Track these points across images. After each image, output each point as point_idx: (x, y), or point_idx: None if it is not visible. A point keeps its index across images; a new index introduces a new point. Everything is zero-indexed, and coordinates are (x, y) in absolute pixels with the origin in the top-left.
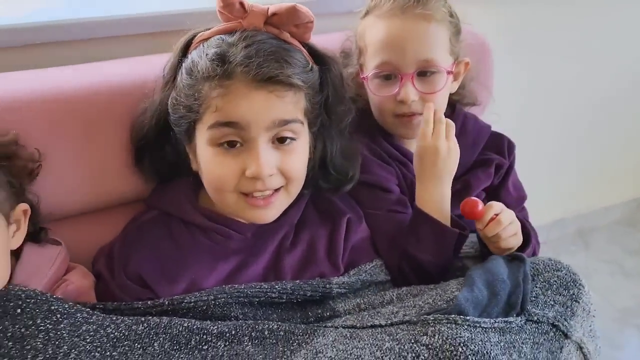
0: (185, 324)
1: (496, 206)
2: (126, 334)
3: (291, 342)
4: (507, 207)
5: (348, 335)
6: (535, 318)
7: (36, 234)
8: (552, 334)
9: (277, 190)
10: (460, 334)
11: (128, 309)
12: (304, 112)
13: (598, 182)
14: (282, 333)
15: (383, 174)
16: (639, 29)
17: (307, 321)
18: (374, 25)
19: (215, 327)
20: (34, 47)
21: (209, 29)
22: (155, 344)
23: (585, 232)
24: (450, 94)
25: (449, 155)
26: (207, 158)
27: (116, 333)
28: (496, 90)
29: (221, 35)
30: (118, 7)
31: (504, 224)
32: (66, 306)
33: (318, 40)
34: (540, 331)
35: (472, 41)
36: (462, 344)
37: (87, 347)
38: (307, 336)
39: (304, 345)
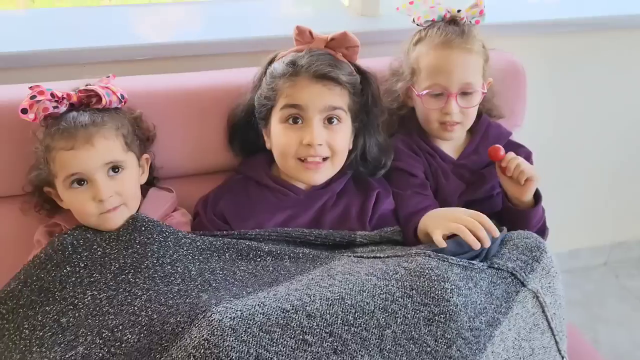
0: (247, 243)
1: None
2: (208, 246)
3: (316, 262)
4: None
5: (355, 261)
6: (496, 266)
7: (151, 181)
8: (510, 280)
9: (324, 159)
10: (430, 263)
11: (212, 235)
12: (347, 105)
13: None
14: (311, 256)
15: (411, 162)
16: None
17: None
18: (427, 54)
19: (267, 247)
20: (173, 59)
21: (287, 50)
22: (226, 254)
23: None
24: (480, 106)
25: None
26: (277, 132)
27: (202, 245)
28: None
29: (294, 52)
30: (225, 32)
31: (519, 160)
32: (171, 229)
33: (366, 62)
34: (499, 275)
35: (509, 68)
36: (429, 268)
37: (184, 252)
38: (328, 259)
39: (324, 265)
